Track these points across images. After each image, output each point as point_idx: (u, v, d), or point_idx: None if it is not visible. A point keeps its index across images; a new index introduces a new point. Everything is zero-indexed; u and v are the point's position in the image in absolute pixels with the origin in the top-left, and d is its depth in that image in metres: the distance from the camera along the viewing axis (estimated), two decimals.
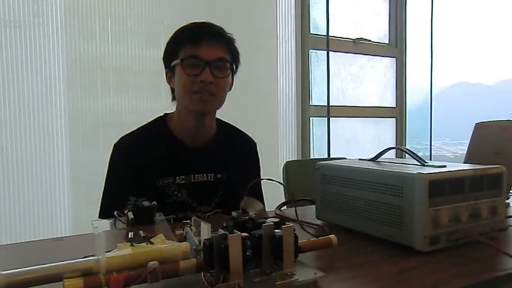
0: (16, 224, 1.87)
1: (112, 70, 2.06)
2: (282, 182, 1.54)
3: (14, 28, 1.84)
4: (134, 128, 1.22)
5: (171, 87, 1.20)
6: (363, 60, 3.07)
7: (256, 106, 2.42)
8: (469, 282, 0.64)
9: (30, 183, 1.90)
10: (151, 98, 2.15)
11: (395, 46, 3.22)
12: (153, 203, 0.81)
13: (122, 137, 1.19)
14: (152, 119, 1.24)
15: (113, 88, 2.08)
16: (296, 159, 2.57)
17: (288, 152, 2.63)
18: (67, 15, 1.94)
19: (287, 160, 2.13)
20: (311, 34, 2.70)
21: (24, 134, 1.88)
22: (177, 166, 1.16)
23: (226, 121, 1.30)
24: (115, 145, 1.19)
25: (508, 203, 1.19)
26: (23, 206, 1.88)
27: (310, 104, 2.69)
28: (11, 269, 0.52)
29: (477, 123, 1.23)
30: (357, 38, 2.98)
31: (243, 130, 1.35)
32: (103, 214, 1.12)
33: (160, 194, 1.12)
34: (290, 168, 1.77)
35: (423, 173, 0.76)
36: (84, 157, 2.01)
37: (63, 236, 1.01)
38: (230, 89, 1.20)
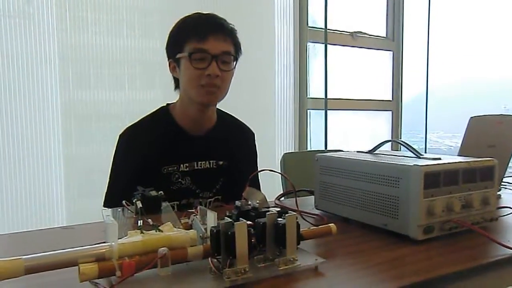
0: (10, 216, 1.85)
1: (105, 61, 2.03)
2: (282, 173, 1.56)
3: (4, 17, 1.80)
4: (136, 120, 1.24)
5: (174, 77, 1.22)
6: (360, 53, 3.09)
7: (254, 99, 2.43)
8: (461, 268, 0.68)
9: (24, 175, 1.88)
10: (145, 89, 2.12)
11: (392, 40, 3.24)
12: (160, 192, 0.84)
13: (127, 128, 1.22)
14: (155, 109, 1.26)
15: (107, 80, 2.04)
16: (293, 151, 2.60)
17: (286, 144, 2.65)
18: (59, 5, 1.91)
19: (285, 152, 2.15)
20: (309, 27, 2.71)
21: (17, 127, 1.85)
22: (181, 154, 1.19)
23: (225, 111, 1.33)
24: (120, 135, 1.21)
25: (499, 195, 1.23)
26: (16, 198, 1.86)
27: (308, 96, 2.71)
28: (27, 255, 0.54)
29: (472, 117, 1.27)
30: (354, 32, 3.00)
31: (242, 121, 1.38)
32: (109, 203, 1.14)
33: (165, 181, 1.15)
34: (287, 160, 1.80)
35: (419, 165, 0.79)
36: (78, 149, 1.99)
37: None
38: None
